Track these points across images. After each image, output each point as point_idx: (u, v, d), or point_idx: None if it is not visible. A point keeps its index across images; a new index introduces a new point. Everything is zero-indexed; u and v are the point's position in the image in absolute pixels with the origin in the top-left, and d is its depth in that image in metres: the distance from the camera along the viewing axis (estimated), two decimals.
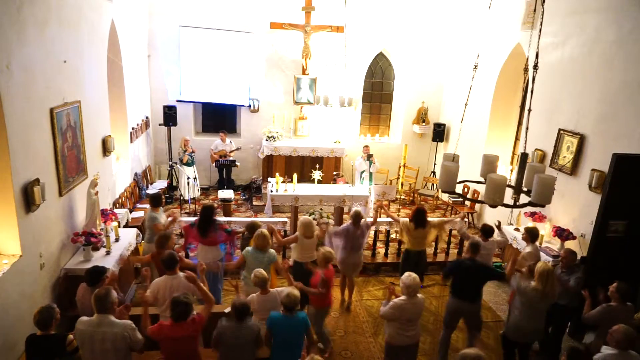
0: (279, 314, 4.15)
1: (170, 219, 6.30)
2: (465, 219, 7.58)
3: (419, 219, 6.33)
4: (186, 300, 3.74)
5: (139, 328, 3.78)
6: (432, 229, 6.52)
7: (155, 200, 6.35)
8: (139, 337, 3.71)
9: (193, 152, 10.12)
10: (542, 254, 6.36)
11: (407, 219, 6.50)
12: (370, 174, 9.49)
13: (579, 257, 5.79)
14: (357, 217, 6.29)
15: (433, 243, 7.25)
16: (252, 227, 5.73)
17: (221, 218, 7.78)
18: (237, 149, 10.52)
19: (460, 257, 5.32)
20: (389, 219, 7.32)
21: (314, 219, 7.15)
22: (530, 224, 7.28)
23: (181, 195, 10.00)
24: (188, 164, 10.04)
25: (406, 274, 4.57)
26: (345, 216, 9.00)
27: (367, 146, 9.87)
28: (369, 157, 9.47)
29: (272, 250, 5.30)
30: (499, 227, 6.44)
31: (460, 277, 5.15)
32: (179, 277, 4.45)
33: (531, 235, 5.97)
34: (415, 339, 4.69)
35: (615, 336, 3.82)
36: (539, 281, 4.65)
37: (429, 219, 6.51)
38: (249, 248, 5.30)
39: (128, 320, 3.79)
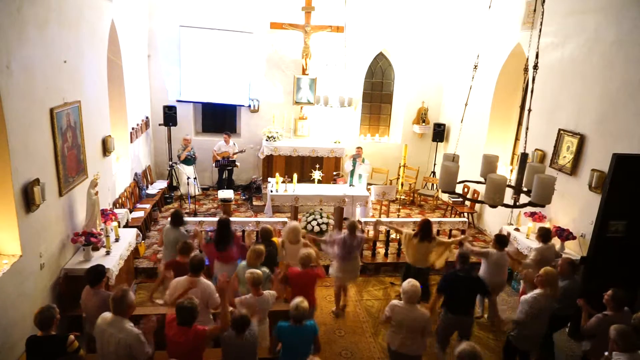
0: (287, 324, 4.10)
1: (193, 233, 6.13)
2: (470, 238, 7.30)
3: (425, 231, 6.04)
4: (191, 306, 3.71)
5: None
6: (437, 247, 6.14)
7: (178, 219, 5.92)
8: (145, 350, 3.65)
9: (194, 152, 10.12)
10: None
11: (411, 232, 6.26)
12: (360, 174, 9.42)
13: (579, 257, 5.80)
14: (352, 227, 6.09)
15: (437, 263, 6.34)
16: (266, 234, 5.65)
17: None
18: (241, 151, 10.48)
19: (452, 270, 5.18)
20: (390, 219, 7.31)
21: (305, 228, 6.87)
22: (531, 224, 7.29)
23: (181, 194, 10.00)
24: (187, 162, 10.04)
25: (407, 280, 4.49)
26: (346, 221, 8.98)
27: (358, 147, 9.78)
28: (355, 157, 9.41)
29: (265, 269, 5.05)
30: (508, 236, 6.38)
31: (454, 291, 5.00)
32: (200, 282, 4.46)
33: (542, 236, 6.00)
34: (413, 351, 4.51)
35: (618, 343, 3.82)
36: (547, 286, 4.59)
37: (440, 238, 6.26)
38: (242, 263, 5.19)
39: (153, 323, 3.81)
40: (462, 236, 6.94)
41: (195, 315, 3.74)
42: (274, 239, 5.83)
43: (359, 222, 6.81)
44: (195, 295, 4.09)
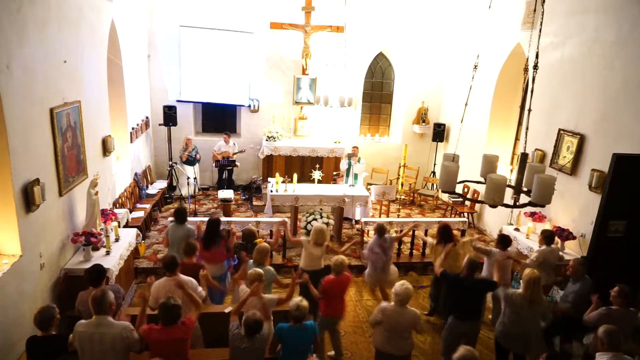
0: (287, 325, 4.11)
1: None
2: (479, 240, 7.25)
3: (446, 237, 6.01)
4: (175, 304, 3.74)
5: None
6: (463, 247, 6.05)
7: (182, 216, 5.93)
8: (137, 337, 3.71)
9: (196, 152, 10.12)
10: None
11: (434, 242, 6.18)
12: (355, 174, 9.42)
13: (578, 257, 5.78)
14: (382, 230, 6.13)
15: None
16: (249, 235, 5.62)
17: (222, 218, 7.75)
18: (241, 152, 10.50)
19: (457, 276, 5.09)
20: (389, 219, 7.31)
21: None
22: (530, 224, 7.29)
23: (181, 195, 10.01)
24: (189, 163, 10.05)
25: (399, 282, 4.46)
26: (348, 225, 9.00)
27: (354, 147, 9.82)
28: (350, 156, 9.42)
29: (270, 268, 5.11)
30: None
31: (462, 297, 4.89)
32: (180, 279, 4.46)
33: (546, 238, 5.94)
34: (403, 351, 4.50)
35: (604, 342, 3.79)
36: (524, 288, 4.57)
37: (463, 238, 6.27)
38: (250, 262, 5.17)
39: (126, 321, 3.81)
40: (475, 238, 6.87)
41: (180, 312, 3.76)
42: (258, 240, 5.82)
43: (359, 221, 6.80)
44: (177, 293, 4.12)
